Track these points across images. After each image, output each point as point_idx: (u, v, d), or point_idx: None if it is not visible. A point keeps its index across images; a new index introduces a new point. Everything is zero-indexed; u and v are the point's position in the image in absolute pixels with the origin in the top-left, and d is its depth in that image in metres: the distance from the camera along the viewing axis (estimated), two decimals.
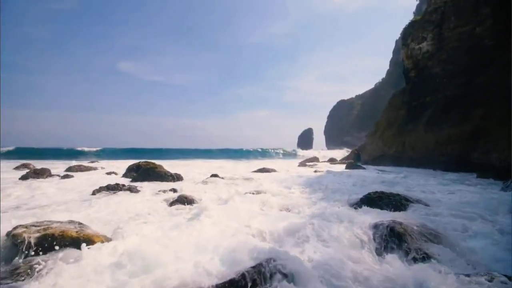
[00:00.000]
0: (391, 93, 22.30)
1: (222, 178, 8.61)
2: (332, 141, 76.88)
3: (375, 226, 3.00)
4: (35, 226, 2.78)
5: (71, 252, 2.45)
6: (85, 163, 15.14)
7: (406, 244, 2.66)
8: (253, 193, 5.73)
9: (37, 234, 2.57)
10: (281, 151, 44.55)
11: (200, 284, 1.94)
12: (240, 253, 2.29)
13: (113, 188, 6.15)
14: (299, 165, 18.17)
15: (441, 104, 13.75)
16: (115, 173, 10.52)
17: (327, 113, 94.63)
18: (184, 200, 4.90)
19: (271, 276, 2.01)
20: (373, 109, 52.75)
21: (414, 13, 43.30)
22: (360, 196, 4.77)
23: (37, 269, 2.14)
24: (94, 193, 5.91)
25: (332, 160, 23.51)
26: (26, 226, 2.75)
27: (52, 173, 9.57)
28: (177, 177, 8.51)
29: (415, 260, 2.48)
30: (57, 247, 2.50)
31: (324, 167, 16.25)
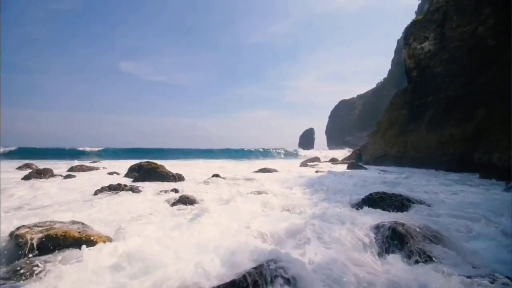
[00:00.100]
0: (393, 93, 22.18)
1: (224, 178, 8.61)
2: (334, 141, 76.68)
3: (377, 227, 2.98)
4: (38, 226, 2.80)
5: (73, 252, 2.46)
6: (87, 163, 15.19)
7: (408, 245, 2.64)
8: (254, 194, 5.72)
9: (40, 235, 2.59)
10: (283, 151, 44.47)
11: (200, 285, 1.94)
12: (241, 254, 2.28)
13: (115, 188, 6.17)
14: (300, 165, 18.15)
15: (443, 103, 13.68)
16: (117, 173, 10.55)
17: (329, 113, 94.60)
18: (186, 201, 4.91)
19: (273, 279, 1.99)
20: (374, 109, 52.52)
21: (416, 12, 43.21)
22: (362, 196, 4.73)
23: (38, 270, 2.15)
24: (96, 193, 5.92)
25: (333, 160, 23.46)
26: (29, 227, 2.76)
27: (55, 173, 9.62)
28: (178, 177, 8.52)
29: (417, 261, 2.46)
30: (59, 248, 2.52)
31: (325, 167, 16.22)
